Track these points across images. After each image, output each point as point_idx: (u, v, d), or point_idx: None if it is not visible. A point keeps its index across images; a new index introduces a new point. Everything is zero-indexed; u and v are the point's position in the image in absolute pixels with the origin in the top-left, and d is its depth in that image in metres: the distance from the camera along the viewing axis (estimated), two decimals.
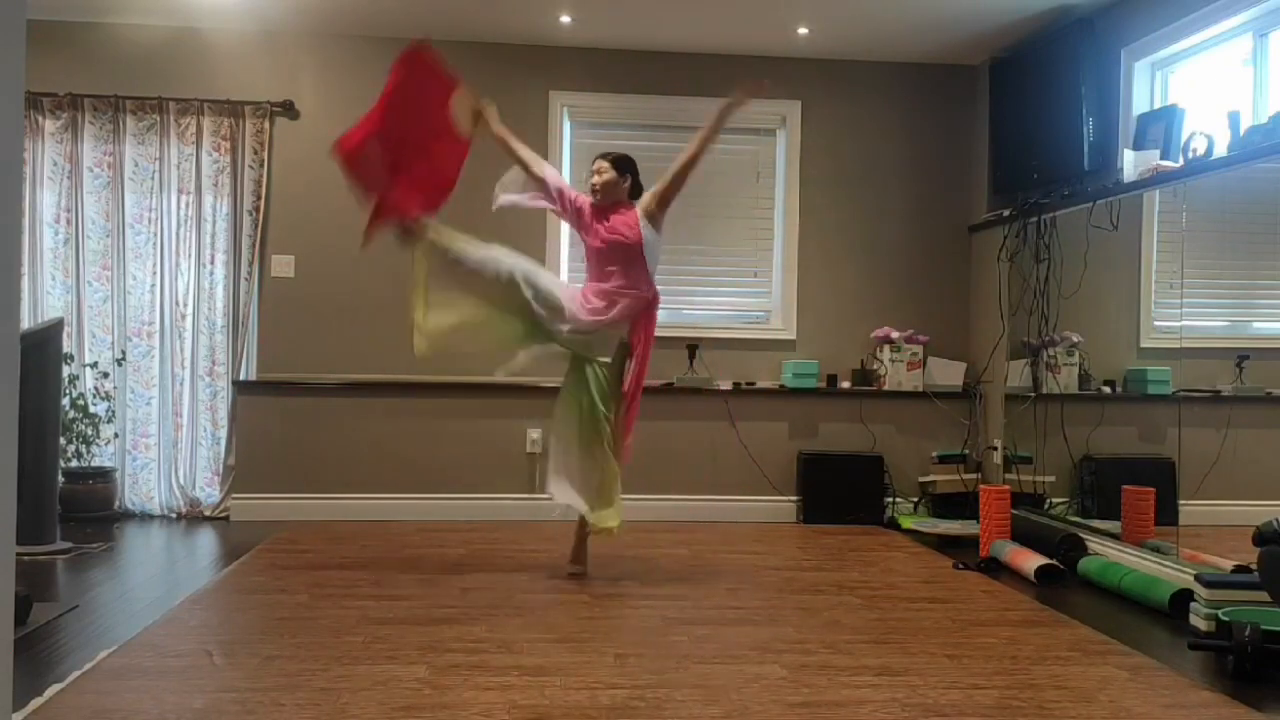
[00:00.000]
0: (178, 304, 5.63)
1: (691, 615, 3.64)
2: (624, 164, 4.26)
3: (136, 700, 2.66)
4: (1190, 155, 4.15)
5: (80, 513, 5.27)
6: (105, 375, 5.56)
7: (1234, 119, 3.96)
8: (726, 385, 5.83)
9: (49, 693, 2.68)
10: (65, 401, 5.23)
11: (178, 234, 5.64)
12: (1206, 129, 4.12)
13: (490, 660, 3.05)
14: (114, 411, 5.57)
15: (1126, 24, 4.88)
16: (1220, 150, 4.03)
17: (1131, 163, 4.50)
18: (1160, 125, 4.57)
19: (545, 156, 5.75)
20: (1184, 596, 3.65)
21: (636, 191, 4.28)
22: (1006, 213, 5.56)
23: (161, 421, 5.62)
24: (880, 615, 3.69)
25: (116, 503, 5.55)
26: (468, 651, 3.13)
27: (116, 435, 5.59)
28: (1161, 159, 4.39)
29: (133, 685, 2.78)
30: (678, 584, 4.17)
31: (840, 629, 3.49)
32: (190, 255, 5.64)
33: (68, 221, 5.57)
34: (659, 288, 4.27)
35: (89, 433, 5.48)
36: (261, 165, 5.65)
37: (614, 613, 3.68)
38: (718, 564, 4.56)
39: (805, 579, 4.31)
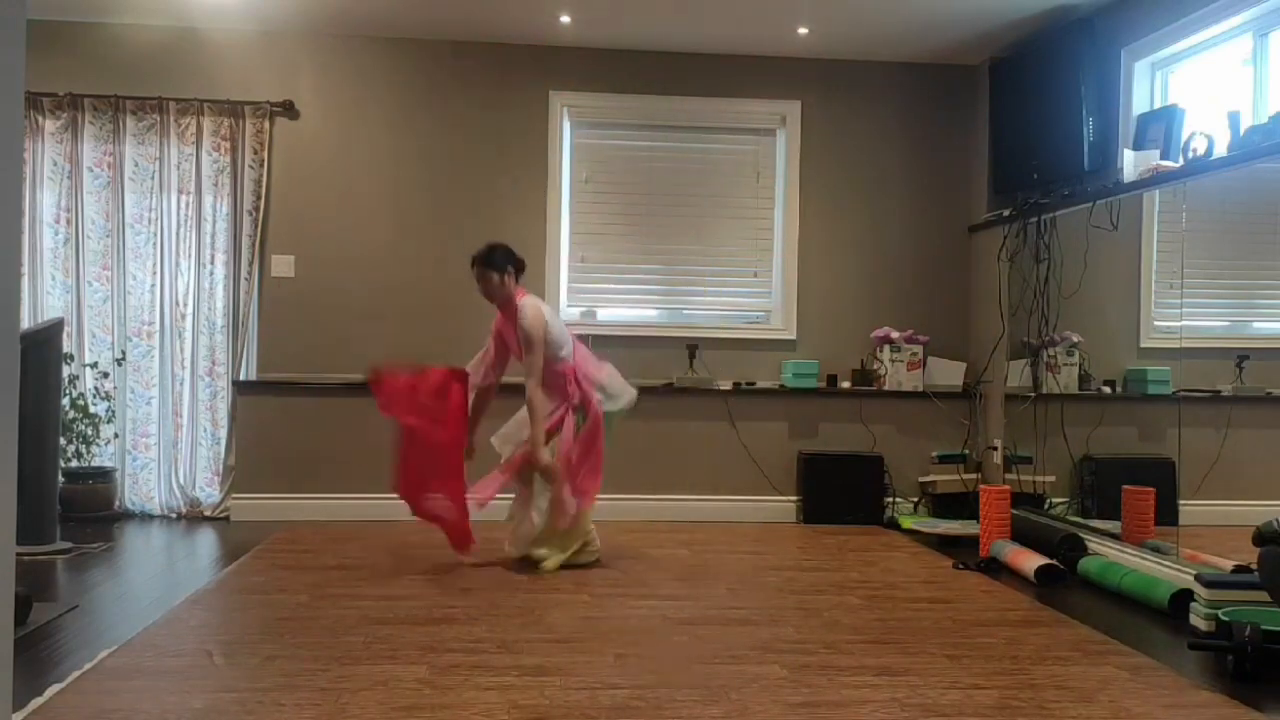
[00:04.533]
0: (178, 304, 5.63)
1: (691, 615, 3.64)
2: (493, 259, 4.34)
3: (136, 700, 2.66)
4: (1190, 155, 4.15)
5: (80, 513, 5.28)
6: (105, 375, 5.56)
7: (1234, 119, 3.96)
8: (726, 385, 5.82)
9: (49, 693, 2.68)
10: (65, 401, 5.23)
11: (178, 234, 5.64)
12: (1206, 129, 4.12)
13: (490, 660, 3.05)
14: (114, 411, 5.57)
15: (1126, 24, 4.88)
16: (1220, 150, 4.03)
17: (1131, 163, 4.50)
18: (1160, 125, 4.56)
19: (545, 156, 5.82)
20: (1184, 596, 3.65)
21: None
22: (1006, 213, 5.56)
23: (161, 421, 5.62)
24: (880, 615, 3.70)
25: (116, 503, 5.55)
26: (468, 651, 3.13)
27: (116, 435, 5.59)
28: (1161, 159, 4.39)
29: (133, 685, 2.78)
30: (678, 584, 4.17)
31: (840, 629, 3.49)
32: (190, 255, 5.64)
33: (68, 221, 5.57)
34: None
35: (89, 433, 5.48)
36: (261, 165, 5.64)
37: (614, 613, 3.68)
38: (718, 564, 4.56)
39: (805, 579, 4.31)
